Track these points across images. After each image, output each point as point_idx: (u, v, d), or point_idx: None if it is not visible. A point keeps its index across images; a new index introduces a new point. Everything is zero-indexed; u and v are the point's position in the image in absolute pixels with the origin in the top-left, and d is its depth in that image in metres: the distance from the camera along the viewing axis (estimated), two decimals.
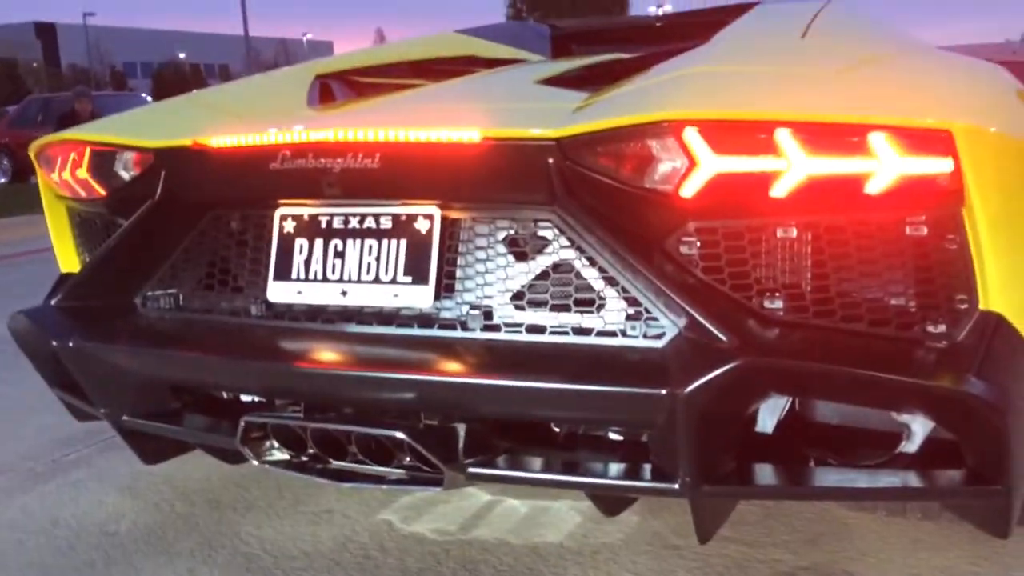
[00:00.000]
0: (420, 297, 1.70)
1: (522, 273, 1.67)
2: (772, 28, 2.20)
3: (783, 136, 1.44)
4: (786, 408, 1.62)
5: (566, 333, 1.63)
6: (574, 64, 2.41)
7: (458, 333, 1.69)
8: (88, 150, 2.09)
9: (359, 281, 1.76)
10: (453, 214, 1.71)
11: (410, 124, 1.68)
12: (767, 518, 2.17)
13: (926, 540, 2.04)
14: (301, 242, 1.82)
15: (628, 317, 1.59)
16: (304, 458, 1.79)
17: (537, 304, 1.65)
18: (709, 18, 2.75)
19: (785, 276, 1.52)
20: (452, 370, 1.64)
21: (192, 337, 1.94)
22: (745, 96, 1.60)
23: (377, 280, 1.74)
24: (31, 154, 2.27)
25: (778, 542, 2.07)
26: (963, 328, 1.46)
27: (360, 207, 1.77)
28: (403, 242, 1.73)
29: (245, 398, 2.02)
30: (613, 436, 1.72)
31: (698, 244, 1.53)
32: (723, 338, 1.45)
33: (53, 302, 2.02)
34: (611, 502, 1.84)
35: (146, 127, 2.14)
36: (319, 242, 1.81)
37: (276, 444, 1.80)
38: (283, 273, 1.83)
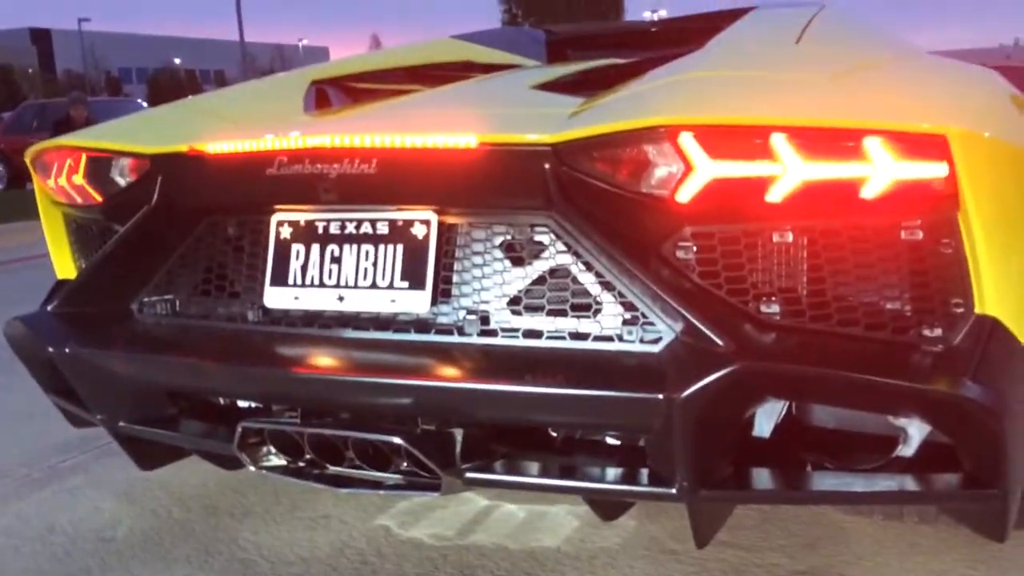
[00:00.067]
0: (417, 302, 1.71)
1: (519, 278, 1.67)
2: (767, 33, 2.21)
3: (778, 141, 1.44)
4: (783, 412, 1.62)
5: (563, 338, 1.63)
6: (570, 69, 2.41)
7: (455, 338, 1.69)
8: (84, 156, 2.09)
9: (356, 286, 1.76)
10: (449, 219, 1.71)
11: (406, 129, 1.69)
12: (764, 522, 2.17)
13: (923, 544, 2.05)
14: (298, 247, 1.82)
15: (625, 322, 1.59)
16: (301, 463, 1.79)
17: (534, 309, 1.66)
18: (704, 23, 2.76)
19: (781, 280, 1.53)
20: (449, 375, 1.64)
21: (189, 343, 1.94)
22: (741, 101, 1.61)
23: (374, 285, 1.75)
24: (27, 160, 2.27)
25: (775, 546, 2.07)
26: (959, 332, 1.46)
27: (357, 212, 1.77)
28: (400, 247, 1.73)
29: (242, 404, 2.02)
30: (610, 441, 1.73)
31: (694, 249, 1.53)
32: (720, 342, 1.46)
33: (49, 308, 2.02)
34: (608, 507, 1.84)
35: (142, 133, 2.14)
36: (316, 247, 1.81)
37: (273, 449, 1.80)
38: (280, 278, 1.83)
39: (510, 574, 2.01)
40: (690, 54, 1.99)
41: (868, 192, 1.43)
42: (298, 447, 1.75)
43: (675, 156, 1.49)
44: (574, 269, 1.63)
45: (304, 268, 1.81)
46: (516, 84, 2.31)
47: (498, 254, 1.69)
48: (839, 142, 1.44)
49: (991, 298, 1.45)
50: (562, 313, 1.63)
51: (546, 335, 1.64)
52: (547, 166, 1.58)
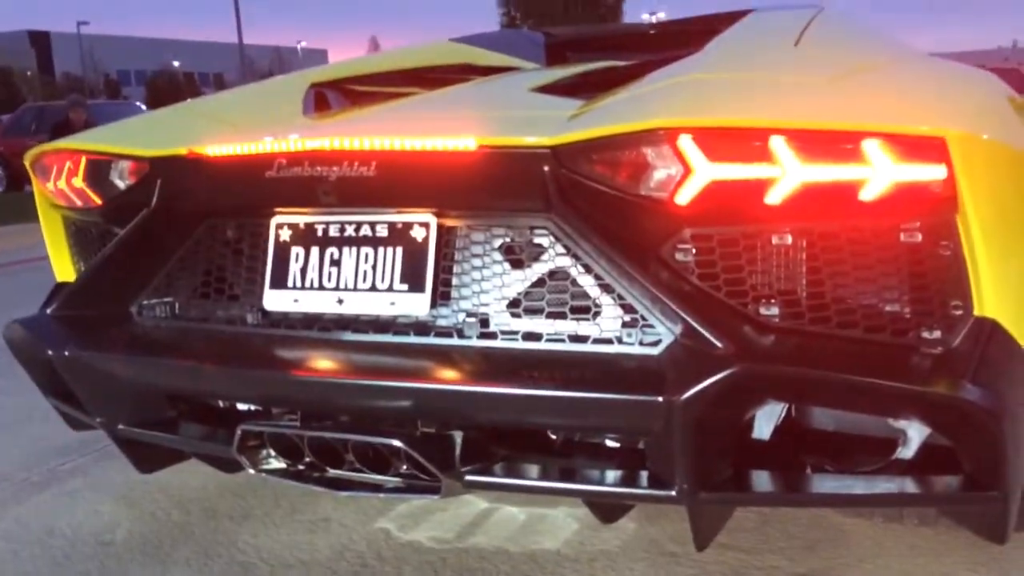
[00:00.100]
0: (416, 305, 1.71)
1: (518, 281, 1.67)
2: (766, 36, 2.21)
3: (777, 143, 1.44)
4: (783, 414, 1.62)
5: (562, 340, 1.63)
6: (569, 72, 2.42)
7: (454, 341, 1.69)
8: (83, 159, 2.09)
9: (355, 289, 1.76)
10: (449, 222, 1.71)
11: (405, 132, 1.69)
12: (764, 525, 2.17)
13: (923, 546, 2.04)
14: (297, 250, 1.82)
15: (624, 324, 1.59)
16: (301, 466, 1.79)
17: (533, 312, 1.66)
18: (703, 26, 2.76)
19: (780, 283, 1.53)
20: (449, 378, 1.64)
21: (188, 346, 1.94)
22: (739, 103, 1.61)
23: (373, 288, 1.75)
24: (27, 163, 2.27)
25: (775, 549, 2.07)
26: (958, 334, 1.46)
27: (356, 215, 1.77)
28: (399, 250, 1.73)
29: (241, 407, 2.01)
30: (610, 443, 1.73)
31: (694, 251, 1.53)
32: (719, 345, 1.46)
33: (49, 311, 2.02)
34: (608, 509, 1.84)
35: (141, 136, 2.14)
36: (315, 250, 1.81)
37: (273, 452, 1.80)
38: (279, 281, 1.83)
39: None
40: (689, 56, 1.99)
41: (867, 194, 1.43)
42: (298, 450, 1.75)
43: (674, 158, 1.49)
44: (573, 271, 1.63)
45: (303, 271, 1.81)
46: (515, 87, 2.32)
47: (497, 256, 1.69)
48: (838, 144, 1.44)
49: (990, 300, 1.45)
50: (561, 316, 1.63)
51: (546, 338, 1.64)
52: (546, 168, 1.58)
